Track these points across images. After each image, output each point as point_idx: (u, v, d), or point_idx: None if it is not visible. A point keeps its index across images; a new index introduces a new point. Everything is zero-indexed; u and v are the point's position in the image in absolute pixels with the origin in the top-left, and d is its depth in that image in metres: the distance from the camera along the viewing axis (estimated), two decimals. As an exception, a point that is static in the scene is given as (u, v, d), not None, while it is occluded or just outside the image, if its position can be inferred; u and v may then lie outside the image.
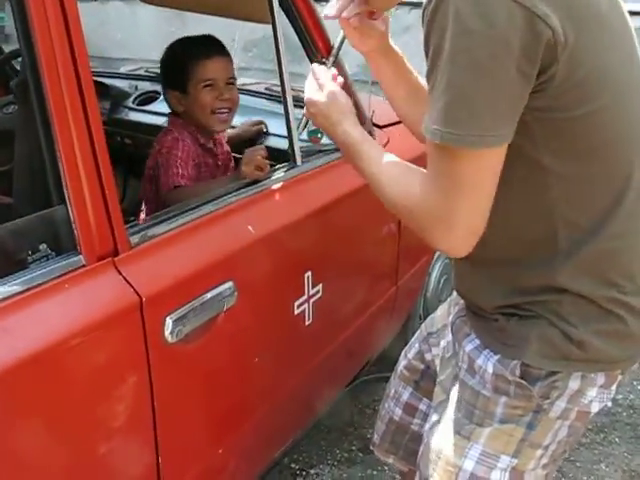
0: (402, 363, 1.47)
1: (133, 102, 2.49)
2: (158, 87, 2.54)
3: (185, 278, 1.22)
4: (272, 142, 2.05)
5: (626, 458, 2.34)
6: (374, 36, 1.29)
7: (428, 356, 1.40)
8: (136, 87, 2.58)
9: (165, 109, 2.39)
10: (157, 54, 2.03)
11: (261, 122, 2.19)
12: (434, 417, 1.23)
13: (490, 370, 1.10)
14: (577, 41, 0.89)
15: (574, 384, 1.07)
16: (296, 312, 1.57)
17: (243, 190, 1.46)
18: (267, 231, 1.45)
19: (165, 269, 1.20)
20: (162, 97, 2.48)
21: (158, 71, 2.68)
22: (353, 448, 2.34)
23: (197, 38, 1.90)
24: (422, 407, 1.41)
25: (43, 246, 1.05)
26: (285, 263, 1.52)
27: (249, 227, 1.39)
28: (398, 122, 2.31)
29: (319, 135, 1.80)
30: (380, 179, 1.08)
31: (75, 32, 1.03)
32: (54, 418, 1.02)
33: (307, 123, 1.71)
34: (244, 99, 2.41)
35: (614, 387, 1.12)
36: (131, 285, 1.12)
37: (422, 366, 1.42)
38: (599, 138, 0.97)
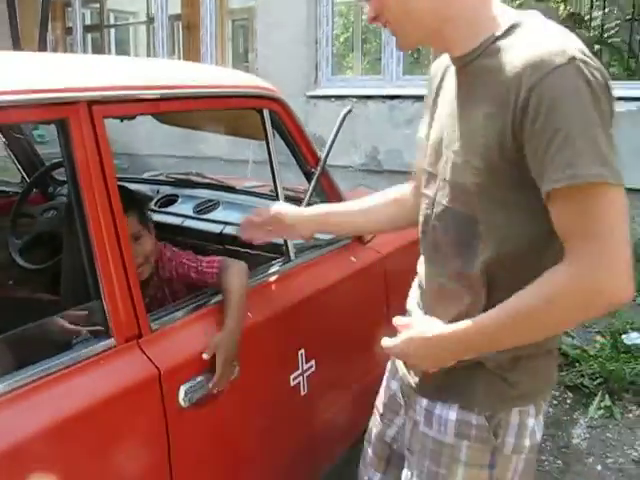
0: (368, 450, 1.57)
1: (155, 204, 2.84)
2: (177, 191, 2.91)
3: (196, 355, 1.51)
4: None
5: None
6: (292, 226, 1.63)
7: (389, 434, 1.50)
8: (158, 191, 2.93)
9: (185, 210, 2.75)
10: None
11: None
12: (406, 473, 1.38)
13: (452, 417, 1.27)
14: None
15: (514, 419, 1.26)
16: (292, 384, 1.85)
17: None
18: (263, 317, 1.75)
19: (180, 348, 1.50)
20: (181, 199, 2.85)
21: (177, 176, 3.07)
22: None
23: None
24: None
25: (84, 331, 1.36)
26: (280, 343, 1.81)
27: (248, 314, 1.69)
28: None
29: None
30: (528, 319, 1.11)
31: (110, 178, 1.37)
32: (92, 462, 1.30)
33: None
34: (249, 200, 2.75)
35: (542, 416, 1.33)
36: (152, 361, 1.42)
37: (387, 450, 1.52)
38: None
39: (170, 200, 2.86)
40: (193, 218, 2.68)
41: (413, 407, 1.38)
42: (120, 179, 3.08)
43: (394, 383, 1.50)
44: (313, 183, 2.05)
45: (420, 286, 1.41)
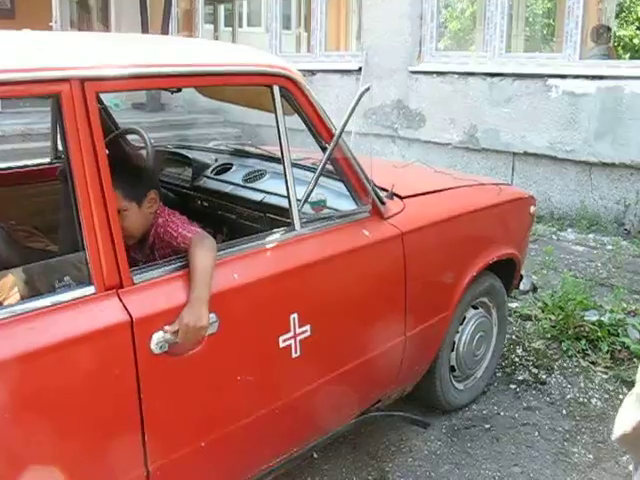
0: None
1: (211, 172, 3.04)
2: (233, 160, 3.10)
3: (172, 308, 1.69)
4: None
5: None
6: None
7: None
8: (216, 159, 3.14)
9: (235, 178, 2.93)
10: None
11: None
12: None
13: None
14: None
15: None
16: (281, 345, 1.98)
17: (235, 247, 1.91)
18: (253, 278, 1.89)
19: (156, 301, 1.68)
20: (234, 168, 3.03)
21: (236, 147, 3.26)
22: (370, 478, 2.65)
23: None
24: None
25: (67, 278, 1.56)
26: (268, 305, 1.95)
27: (234, 275, 1.84)
28: (421, 194, 2.70)
29: (321, 204, 2.24)
30: None
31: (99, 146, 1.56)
32: (61, 393, 1.52)
33: (309, 196, 2.15)
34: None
35: None
36: (127, 309, 1.61)
37: None
38: None
39: (225, 168, 3.05)
40: (240, 186, 2.85)
41: None
42: (186, 147, 3.33)
43: None
44: (324, 159, 2.14)
45: None
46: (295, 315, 2.01)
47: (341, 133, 2.19)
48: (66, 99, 1.53)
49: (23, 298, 1.61)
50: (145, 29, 8.97)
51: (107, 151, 1.61)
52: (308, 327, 2.05)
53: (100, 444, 1.61)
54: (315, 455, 2.69)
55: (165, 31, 8.90)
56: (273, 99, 2.01)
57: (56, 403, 1.51)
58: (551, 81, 5.64)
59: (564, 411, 3.11)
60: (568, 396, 3.23)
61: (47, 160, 2.93)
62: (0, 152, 6.59)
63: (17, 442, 1.45)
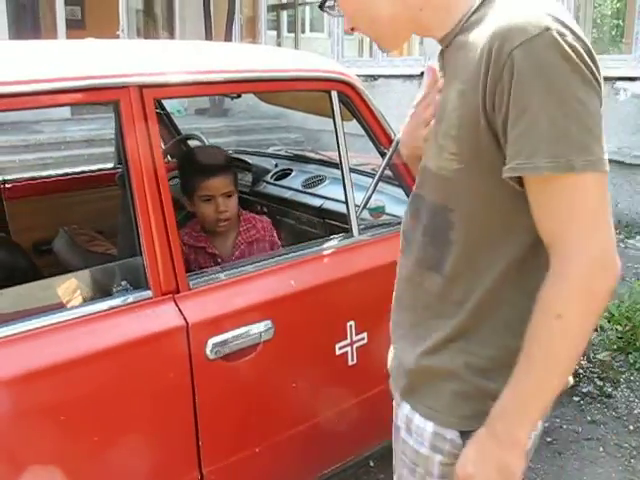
0: None
1: (271, 177, 3.06)
2: (293, 166, 3.10)
3: (227, 313, 1.69)
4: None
5: None
6: None
7: None
8: (276, 165, 3.15)
9: (295, 184, 2.94)
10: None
11: None
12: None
13: (429, 429, 1.18)
14: None
15: None
16: (338, 353, 1.96)
17: (293, 253, 1.90)
18: (310, 284, 1.88)
19: (213, 306, 1.68)
20: (294, 173, 3.03)
21: (296, 152, 3.27)
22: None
23: (205, 152, 2.40)
24: None
25: (124, 282, 1.58)
26: (325, 312, 1.93)
27: (291, 281, 1.83)
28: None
29: (380, 210, 2.22)
30: (555, 356, 1.02)
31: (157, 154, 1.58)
32: (125, 390, 1.54)
33: (367, 202, 2.13)
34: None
35: None
36: (182, 314, 1.62)
37: None
38: None
39: (285, 174, 3.06)
40: (300, 192, 2.85)
41: (397, 409, 1.31)
42: (246, 152, 3.36)
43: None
44: (383, 164, 2.12)
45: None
46: (352, 322, 1.99)
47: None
48: (125, 106, 1.55)
49: (85, 301, 1.65)
50: (209, 36, 9.14)
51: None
52: (365, 335, 2.03)
53: (155, 446, 1.62)
54: (371, 464, 2.66)
55: (228, 38, 9.03)
56: (331, 104, 2.00)
57: (112, 405, 1.53)
58: (619, 84, 5.45)
59: (631, 427, 2.98)
60: (635, 411, 3.10)
61: (110, 165, 3.00)
62: (66, 157, 6.81)
63: (71, 442, 1.48)
